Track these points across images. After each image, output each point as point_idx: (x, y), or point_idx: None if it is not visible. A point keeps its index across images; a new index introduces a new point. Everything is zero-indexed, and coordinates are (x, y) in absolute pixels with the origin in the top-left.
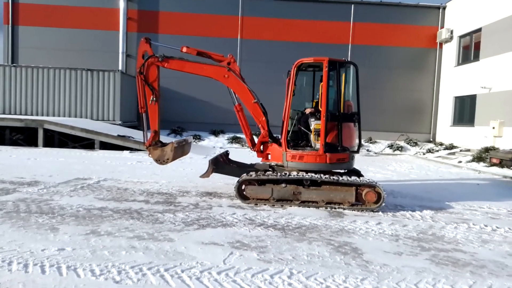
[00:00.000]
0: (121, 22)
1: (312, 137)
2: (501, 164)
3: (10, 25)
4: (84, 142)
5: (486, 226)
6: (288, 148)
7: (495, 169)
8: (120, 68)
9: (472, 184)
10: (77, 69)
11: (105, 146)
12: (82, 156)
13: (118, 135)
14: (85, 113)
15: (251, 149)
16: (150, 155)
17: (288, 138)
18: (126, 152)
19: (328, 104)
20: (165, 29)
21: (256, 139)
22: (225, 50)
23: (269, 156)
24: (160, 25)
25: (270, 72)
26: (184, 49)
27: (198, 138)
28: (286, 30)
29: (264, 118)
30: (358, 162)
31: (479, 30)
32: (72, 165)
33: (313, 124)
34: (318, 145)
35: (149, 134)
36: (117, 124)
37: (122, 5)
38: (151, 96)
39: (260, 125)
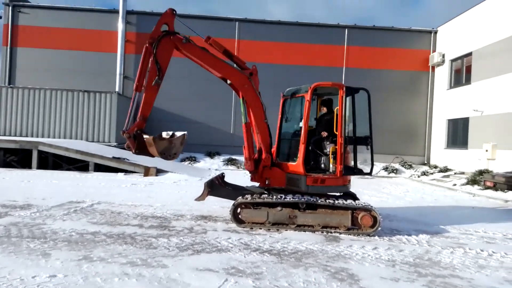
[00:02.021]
0: (119, 44)
1: (329, 160)
2: (495, 187)
3: (9, 46)
4: (78, 164)
5: (482, 250)
6: (307, 172)
7: (490, 192)
8: (117, 89)
9: (467, 208)
10: (74, 91)
11: (99, 168)
12: (76, 178)
13: (113, 157)
14: (80, 134)
15: (252, 173)
16: (128, 148)
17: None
18: (120, 174)
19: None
20: None
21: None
22: None
23: (267, 181)
24: None
25: (266, 95)
26: (211, 41)
27: (193, 160)
28: (282, 53)
29: (269, 141)
30: (354, 185)
31: (470, 54)
32: (65, 188)
33: (329, 147)
34: (334, 167)
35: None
36: (113, 146)
37: (120, 27)
38: (155, 77)
39: (263, 147)
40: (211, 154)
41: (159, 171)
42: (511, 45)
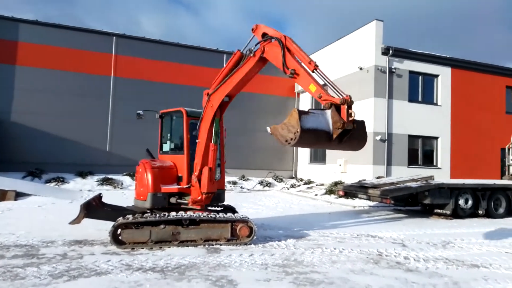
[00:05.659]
0: None
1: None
2: (346, 195)
3: None
4: None
5: (335, 249)
6: None
7: (342, 200)
8: None
9: (325, 214)
10: None
11: None
12: None
13: None
14: None
15: (211, 194)
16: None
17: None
18: None
19: None
20: (25, 61)
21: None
22: (99, 87)
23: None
24: (18, 56)
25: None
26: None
27: (61, 180)
28: (161, 71)
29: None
30: (235, 199)
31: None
32: None
33: None
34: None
35: None
36: None
37: None
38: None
39: (212, 167)
40: (82, 174)
41: (18, 195)
42: (350, 80)
